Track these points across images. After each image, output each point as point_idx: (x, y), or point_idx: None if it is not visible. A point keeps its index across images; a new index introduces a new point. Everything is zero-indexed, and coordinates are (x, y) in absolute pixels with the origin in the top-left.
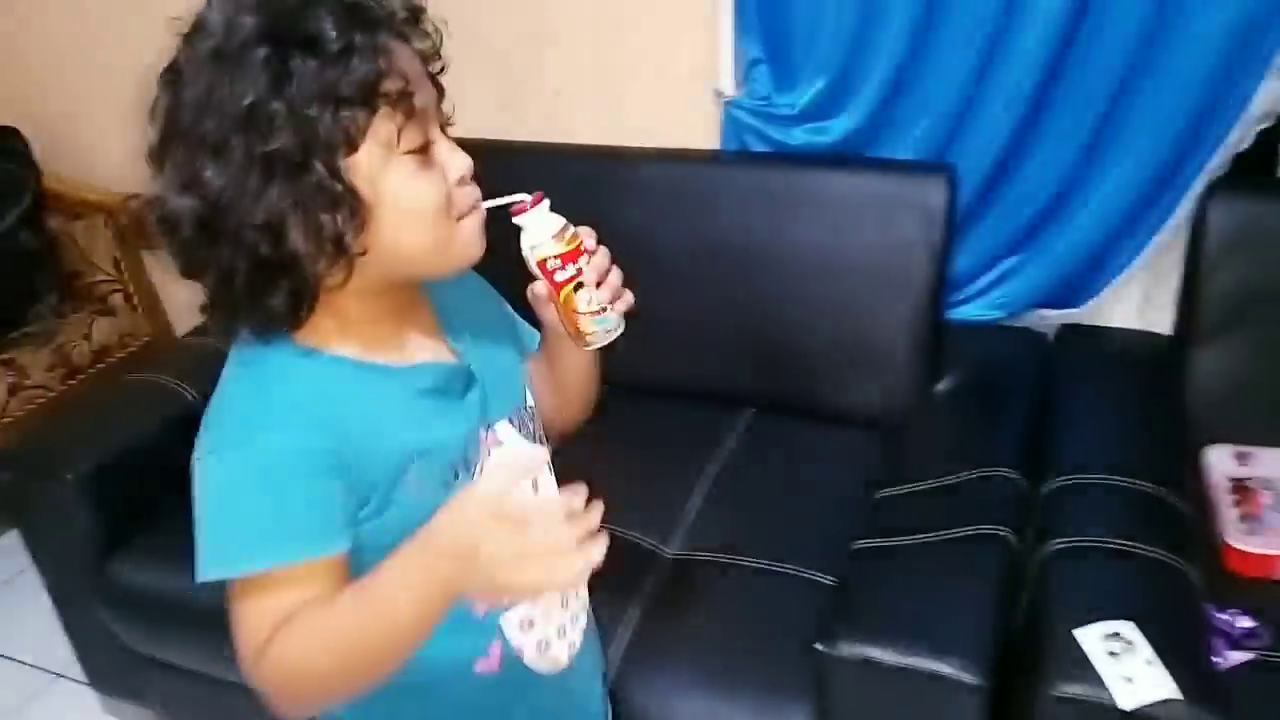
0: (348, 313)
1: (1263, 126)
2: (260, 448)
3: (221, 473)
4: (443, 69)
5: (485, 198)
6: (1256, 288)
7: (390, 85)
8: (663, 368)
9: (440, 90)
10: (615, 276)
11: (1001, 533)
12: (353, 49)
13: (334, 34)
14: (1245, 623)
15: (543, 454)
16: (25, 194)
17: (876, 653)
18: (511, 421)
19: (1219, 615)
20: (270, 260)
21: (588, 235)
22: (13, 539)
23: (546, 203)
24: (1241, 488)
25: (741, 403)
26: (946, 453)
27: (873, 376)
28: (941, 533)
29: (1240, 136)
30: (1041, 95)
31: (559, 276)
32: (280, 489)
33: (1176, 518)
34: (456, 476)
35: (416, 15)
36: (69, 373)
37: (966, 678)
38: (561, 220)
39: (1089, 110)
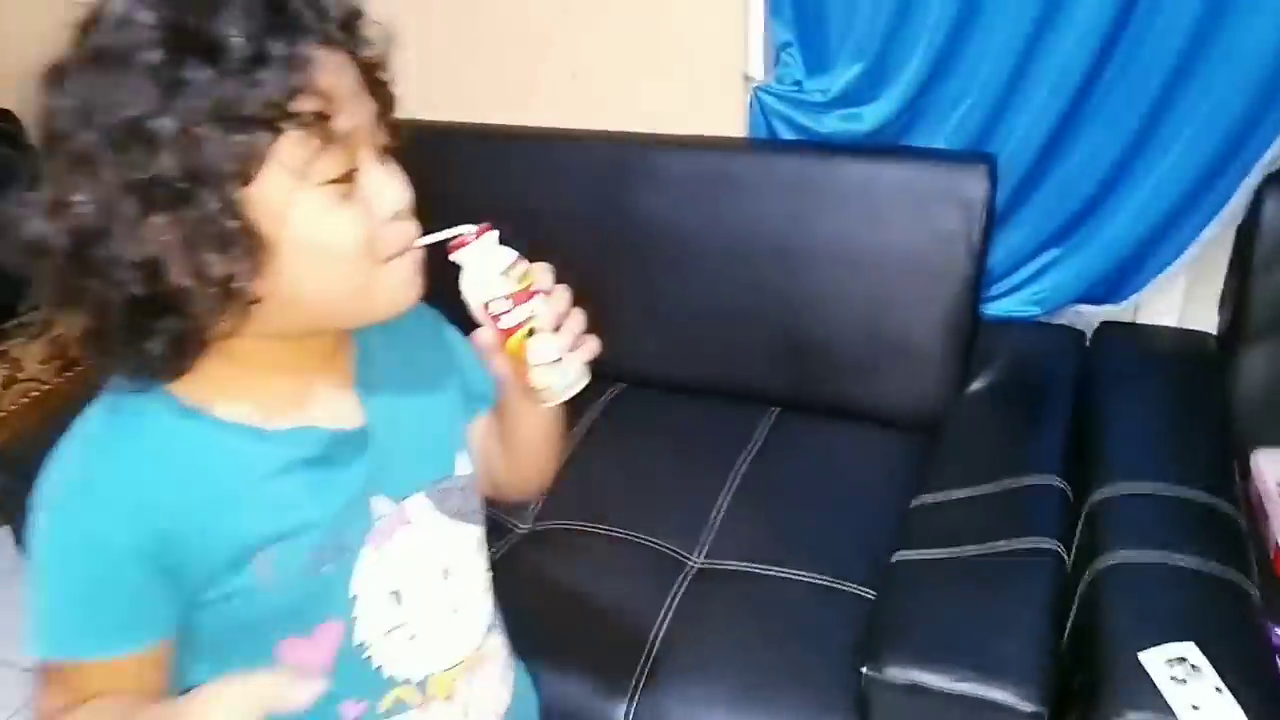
0: (243, 358)
1: None
2: (80, 527)
3: (44, 535)
4: (388, 80)
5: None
6: None
7: (304, 104)
8: (684, 364)
9: (386, 105)
10: (576, 321)
11: (1051, 546)
12: (263, 59)
13: (242, 40)
14: None
15: (471, 533)
16: (19, 178)
17: (926, 677)
18: (430, 496)
19: (1275, 629)
20: (146, 302)
21: (543, 272)
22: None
23: (495, 234)
24: None
25: (766, 401)
26: (985, 457)
27: (905, 374)
28: (987, 545)
29: None
30: (1088, 82)
31: (506, 322)
32: (90, 579)
33: (1231, 528)
34: (326, 562)
35: (352, 18)
36: (64, 365)
37: (1023, 705)
38: (512, 254)
39: (1138, 98)
